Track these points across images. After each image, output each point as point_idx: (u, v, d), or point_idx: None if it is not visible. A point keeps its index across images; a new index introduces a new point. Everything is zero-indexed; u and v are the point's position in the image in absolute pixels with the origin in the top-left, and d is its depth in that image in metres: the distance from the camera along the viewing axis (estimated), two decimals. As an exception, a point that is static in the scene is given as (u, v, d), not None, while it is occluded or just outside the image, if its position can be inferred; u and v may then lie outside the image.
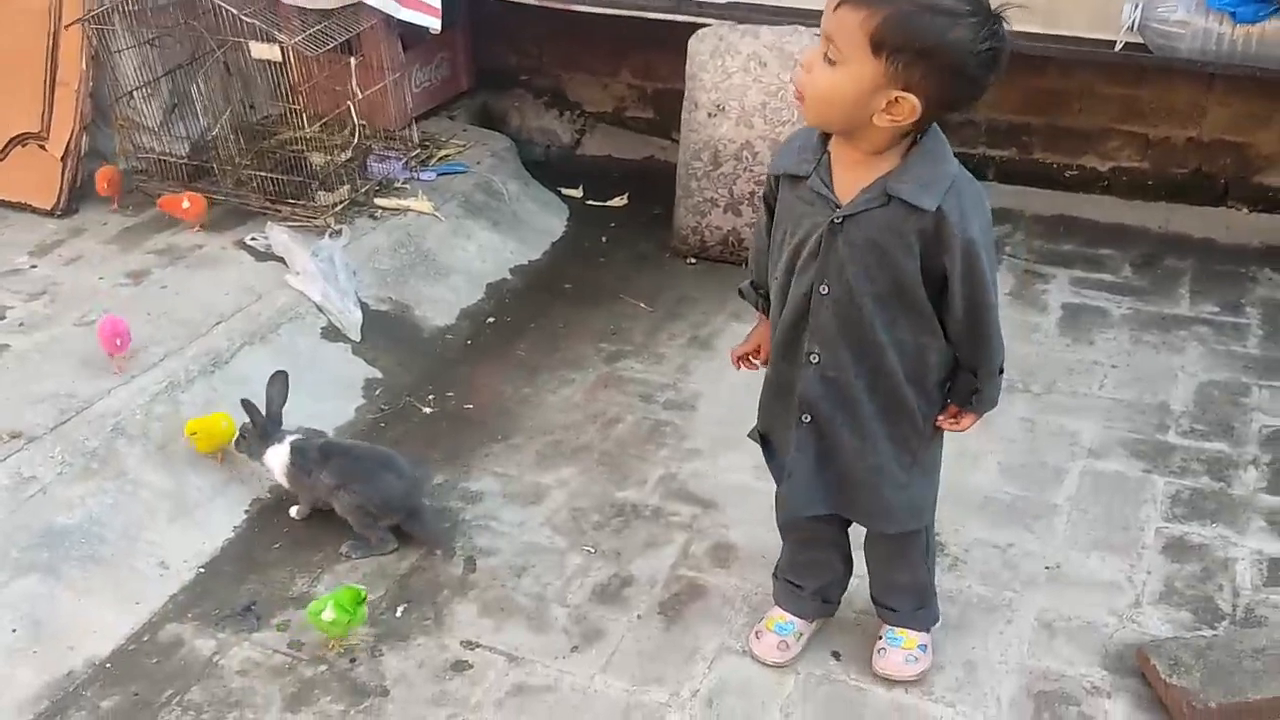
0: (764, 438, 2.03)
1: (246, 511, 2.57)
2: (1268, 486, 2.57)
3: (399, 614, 2.28)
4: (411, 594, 2.32)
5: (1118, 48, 3.25)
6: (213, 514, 2.53)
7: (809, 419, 1.88)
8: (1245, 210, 3.73)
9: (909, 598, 2.11)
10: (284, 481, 2.52)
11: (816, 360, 1.84)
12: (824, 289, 1.79)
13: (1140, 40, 3.23)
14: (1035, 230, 3.76)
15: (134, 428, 2.58)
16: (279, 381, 2.55)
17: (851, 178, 1.73)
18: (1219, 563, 2.36)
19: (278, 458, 2.50)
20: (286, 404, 2.57)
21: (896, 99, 1.61)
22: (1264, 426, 2.77)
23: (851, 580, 2.18)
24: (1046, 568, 2.36)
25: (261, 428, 2.50)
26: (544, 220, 3.90)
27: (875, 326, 1.78)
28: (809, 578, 2.13)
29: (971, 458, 2.69)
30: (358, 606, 2.14)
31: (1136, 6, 3.19)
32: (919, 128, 1.68)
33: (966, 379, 1.85)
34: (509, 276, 3.57)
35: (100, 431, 2.54)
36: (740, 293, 2.07)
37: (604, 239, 3.83)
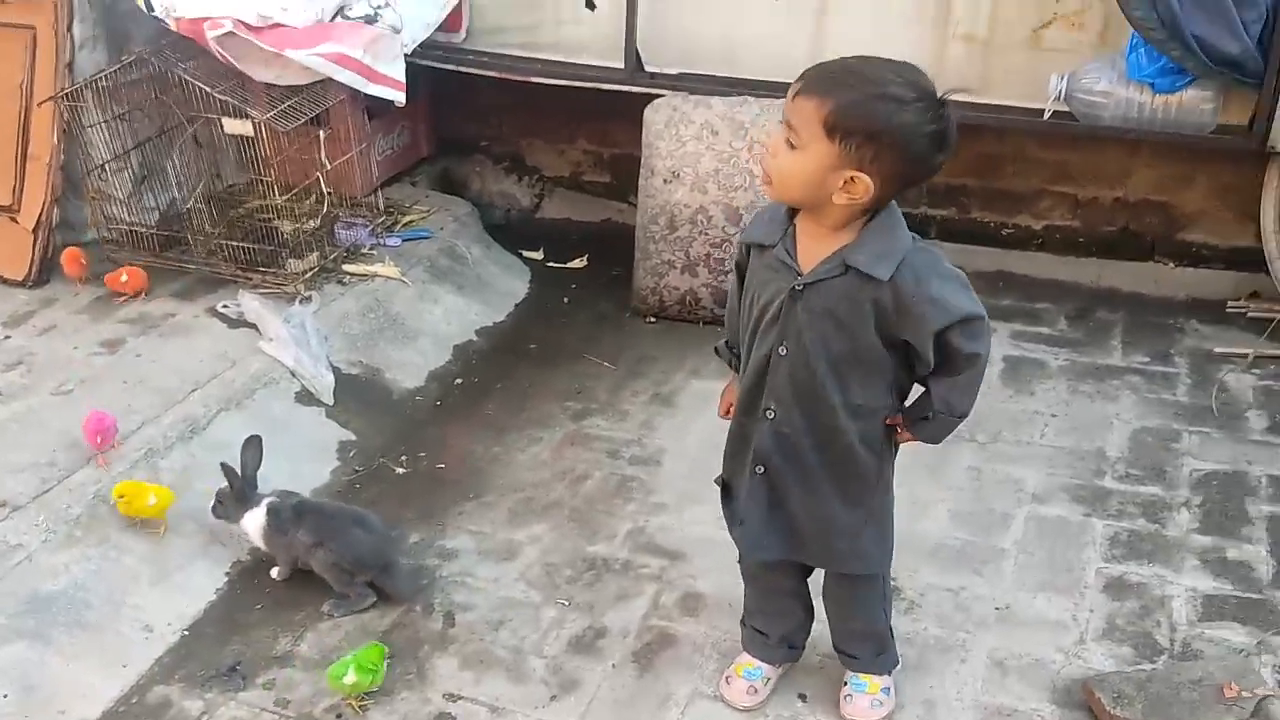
0: (725, 484, 2.15)
1: (227, 574, 2.64)
2: (1199, 527, 2.74)
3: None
4: (393, 649, 2.40)
5: (1046, 116, 3.47)
6: (194, 577, 2.60)
7: (762, 470, 2.01)
8: (1172, 265, 3.95)
9: (868, 644, 2.23)
10: (261, 544, 2.59)
11: (772, 416, 1.97)
12: (782, 350, 1.92)
13: (1067, 109, 3.45)
14: (976, 286, 3.81)
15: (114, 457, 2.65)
16: (253, 446, 2.63)
17: (814, 249, 1.87)
18: (1156, 600, 2.51)
19: (254, 520, 2.57)
20: (262, 467, 2.65)
21: (852, 178, 1.75)
22: (1194, 470, 2.95)
23: (815, 625, 2.30)
24: (996, 609, 2.50)
25: (238, 491, 2.58)
26: (507, 283, 4.03)
27: (827, 388, 1.91)
28: (773, 625, 2.25)
29: (922, 506, 2.84)
30: (381, 663, 2.21)
31: (1063, 78, 3.41)
32: (876, 204, 1.82)
33: (923, 407, 1.96)
34: (475, 338, 3.69)
35: (82, 499, 2.61)
36: (716, 351, 2.20)
37: (565, 300, 3.96)
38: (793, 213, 1.91)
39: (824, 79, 1.75)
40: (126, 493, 2.58)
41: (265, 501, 2.57)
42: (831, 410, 1.93)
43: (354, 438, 3.12)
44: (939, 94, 1.78)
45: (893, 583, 2.53)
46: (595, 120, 4.43)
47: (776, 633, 2.25)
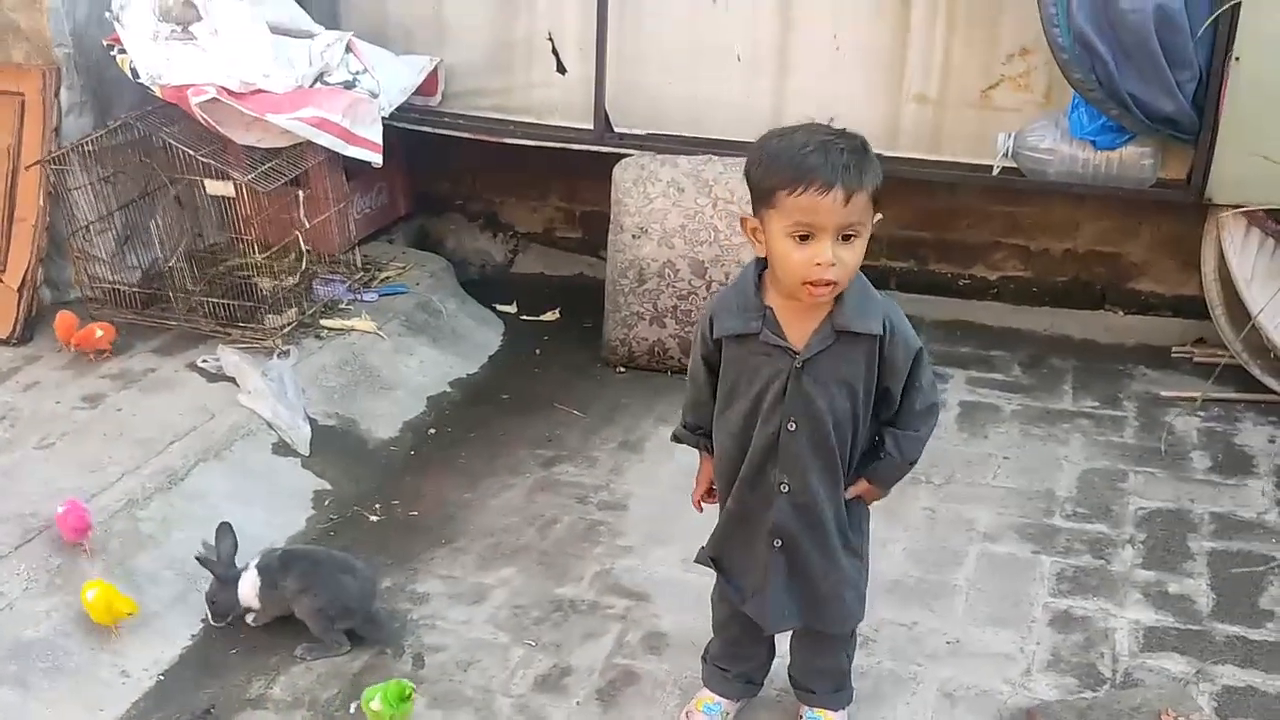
0: (715, 561, 2.21)
1: (203, 620, 2.71)
2: (1143, 563, 2.85)
3: (352, 711, 2.43)
4: (364, 690, 2.47)
5: (995, 172, 3.63)
6: (170, 623, 2.67)
7: (779, 543, 2.08)
8: (1121, 313, 4.11)
9: (828, 681, 2.31)
10: (256, 604, 2.63)
11: (787, 490, 2.04)
12: (791, 426, 1.99)
13: (1015, 165, 3.62)
14: (935, 335, 4.09)
15: (95, 544, 2.72)
16: (227, 533, 2.67)
17: (801, 326, 1.95)
18: (1100, 632, 2.62)
19: (248, 585, 2.61)
20: (239, 517, 2.76)
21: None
22: (1139, 508, 3.07)
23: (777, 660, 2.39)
24: (948, 642, 2.60)
25: (222, 576, 2.62)
26: (481, 335, 4.15)
27: (840, 450, 2.02)
28: (736, 664, 2.34)
29: (880, 544, 2.91)
30: (401, 703, 2.28)
31: (1009, 136, 3.58)
32: None
33: (876, 457, 2.08)
34: (449, 389, 3.79)
35: (62, 548, 2.69)
36: (676, 438, 2.25)
37: (538, 351, 4.08)
38: (760, 296, 1.97)
39: (853, 171, 1.80)
40: (98, 599, 2.51)
41: (252, 565, 2.64)
42: (839, 471, 2.04)
43: (329, 487, 3.21)
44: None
45: (850, 620, 2.64)
46: (567, 178, 4.58)
47: (737, 670, 2.34)
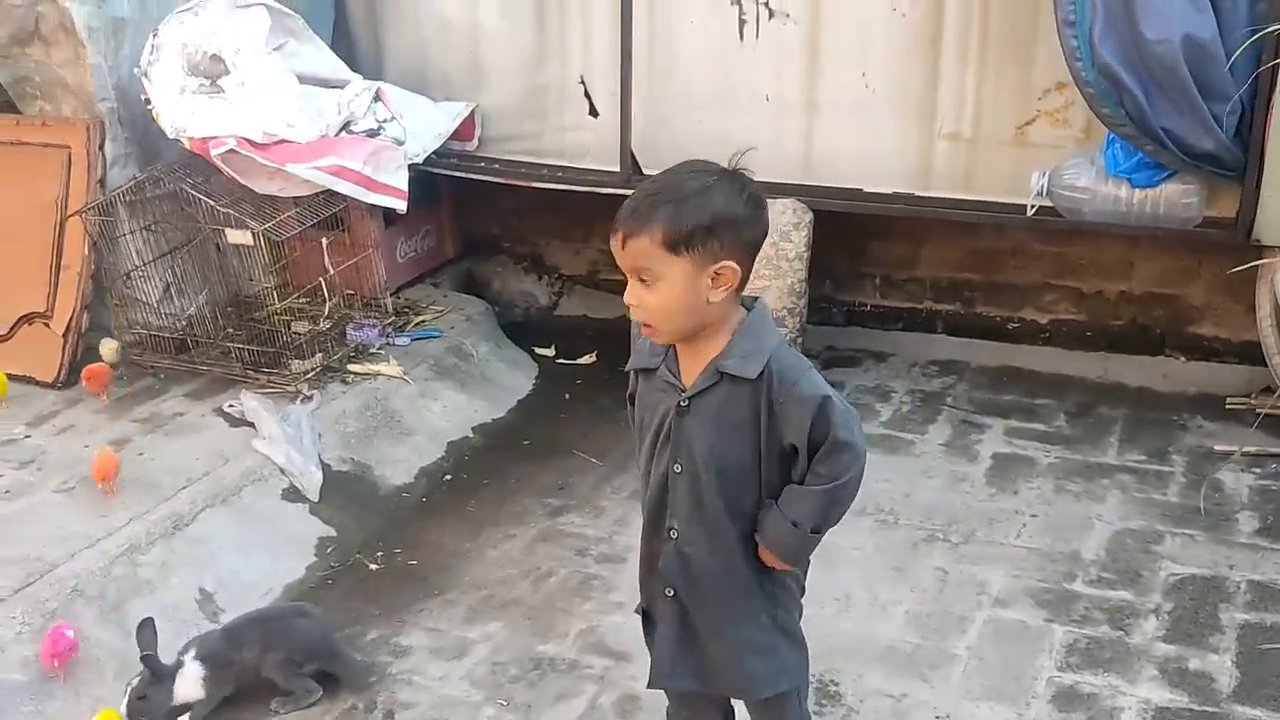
0: (645, 613, 2.11)
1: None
2: (1165, 635, 2.64)
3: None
4: (330, 747, 2.46)
5: (1030, 212, 3.46)
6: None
7: (671, 593, 1.99)
8: (1182, 359, 3.86)
9: None
10: (203, 694, 2.54)
11: (675, 536, 1.96)
12: (677, 467, 1.92)
13: (1050, 204, 3.44)
14: (978, 381, 3.91)
15: (92, 589, 2.78)
16: (148, 628, 2.54)
17: (693, 364, 1.89)
18: (1105, 712, 2.42)
19: (190, 678, 2.53)
20: (240, 563, 2.81)
21: (716, 272, 1.80)
22: (1171, 574, 2.85)
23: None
24: (937, 717, 2.44)
25: (159, 672, 2.51)
26: (512, 379, 4.14)
27: (720, 502, 1.90)
28: (689, 728, 2.23)
29: (881, 606, 2.81)
30: None
31: (1044, 174, 3.40)
32: (743, 285, 1.85)
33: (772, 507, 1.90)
34: (471, 435, 3.78)
35: (60, 593, 2.75)
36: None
37: (567, 395, 4.05)
38: None
39: (640, 211, 1.79)
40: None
41: (189, 658, 2.55)
42: (725, 526, 1.92)
43: (334, 533, 3.23)
44: (728, 168, 1.84)
45: (835, 688, 2.52)
46: (608, 220, 4.52)
47: (692, 737, 2.24)
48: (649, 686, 2.12)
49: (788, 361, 1.86)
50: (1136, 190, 3.26)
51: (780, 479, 1.92)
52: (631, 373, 2.04)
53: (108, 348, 3.73)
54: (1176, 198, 3.26)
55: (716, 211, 1.77)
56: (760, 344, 1.86)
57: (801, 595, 2.07)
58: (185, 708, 2.56)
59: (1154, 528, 3.05)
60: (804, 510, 1.85)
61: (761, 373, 1.84)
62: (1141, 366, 3.86)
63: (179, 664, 2.55)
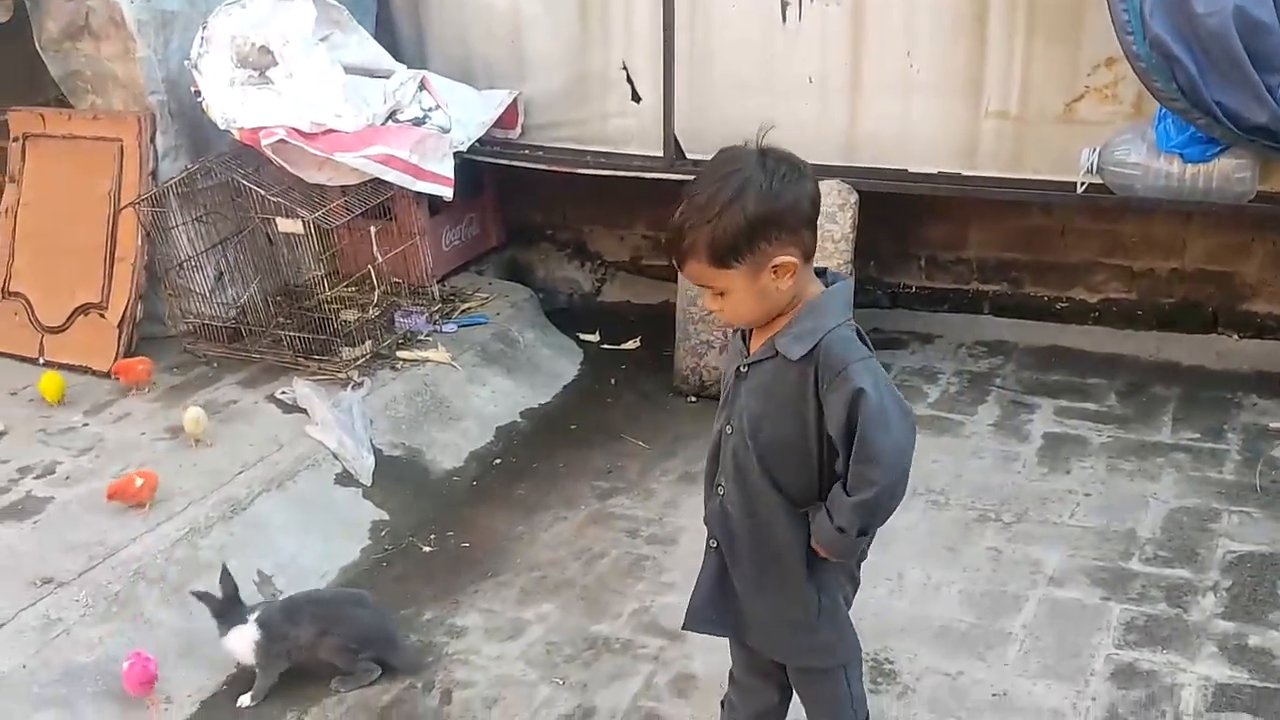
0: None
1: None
2: (1224, 612, 2.62)
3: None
4: (390, 725, 2.50)
5: (1080, 189, 3.42)
6: (218, 651, 2.73)
7: (714, 544, 2.04)
8: (1235, 337, 3.81)
9: None
10: (251, 659, 2.59)
11: (722, 492, 2.00)
12: (728, 429, 1.96)
13: (1100, 181, 3.40)
14: (1027, 362, 3.88)
15: (154, 572, 2.83)
16: (227, 576, 2.63)
17: (762, 333, 1.92)
18: (1165, 689, 2.40)
19: (244, 638, 2.58)
20: (296, 546, 2.83)
21: (775, 267, 1.81)
22: (1228, 552, 2.82)
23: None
24: (993, 695, 2.44)
25: (217, 611, 2.61)
26: (558, 365, 4.16)
27: (759, 471, 1.91)
28: (744, 701, 2.24)
29: (934, 587, 2.80)
30: None
31: (1094, 150, 3.36)
32: (809, 258, 1.85)
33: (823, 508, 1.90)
34: (519, 420, 3.81)
35: (123, 576, 2.80)
36: None
37: (613, 380, 4.06)
38: None
39: (678, 239, 1.82)
40: None
41: (253, 618, 2.60)
42: (764, 496, 1.93)
43: (387, 517, 3.26)
44: (751, 149, 1.82)
45: (890, 666, 2.52)
46: (651, 205, 4.55)
47: (748, 711, 2.24)
48: (682, 628, 2.15)
49: (837, 348, 1.83)
50: (1188, 165, 3.21)
51: (833, 463, 1.92)
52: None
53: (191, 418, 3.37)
54: (1229, 172, 3.21)
55: (752, 217, 1.76)
56: (818, 324, 1.85)
57: (853, 581, 2.06)
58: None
59: (1210, 506, 3.02)
60: (847, 518, 1.86)
61: (809, 354, 1.84)
62: (1194, 345, 3.82)
63: (242, 619, 2.61)
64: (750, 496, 1.95)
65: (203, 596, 2.62)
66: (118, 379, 3.70)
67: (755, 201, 1.76)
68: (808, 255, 1.84)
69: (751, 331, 1.94)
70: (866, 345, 1.88)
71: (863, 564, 2.05)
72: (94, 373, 3.86)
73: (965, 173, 3.64)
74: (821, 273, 1.92)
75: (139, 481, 3.04)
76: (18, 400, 3.69)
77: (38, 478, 3.21)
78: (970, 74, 3.58)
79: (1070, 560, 2.85)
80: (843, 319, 1.88)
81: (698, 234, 1.78)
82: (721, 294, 1.84)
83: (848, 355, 1.83)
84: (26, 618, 2.63)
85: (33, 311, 3.97)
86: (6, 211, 4.06)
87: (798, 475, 1.92)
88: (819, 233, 1.88)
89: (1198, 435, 3.36)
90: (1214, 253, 3.79)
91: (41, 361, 3.92)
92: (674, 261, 1.85)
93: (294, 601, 2.72)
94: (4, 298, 4.03)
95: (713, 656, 2.57)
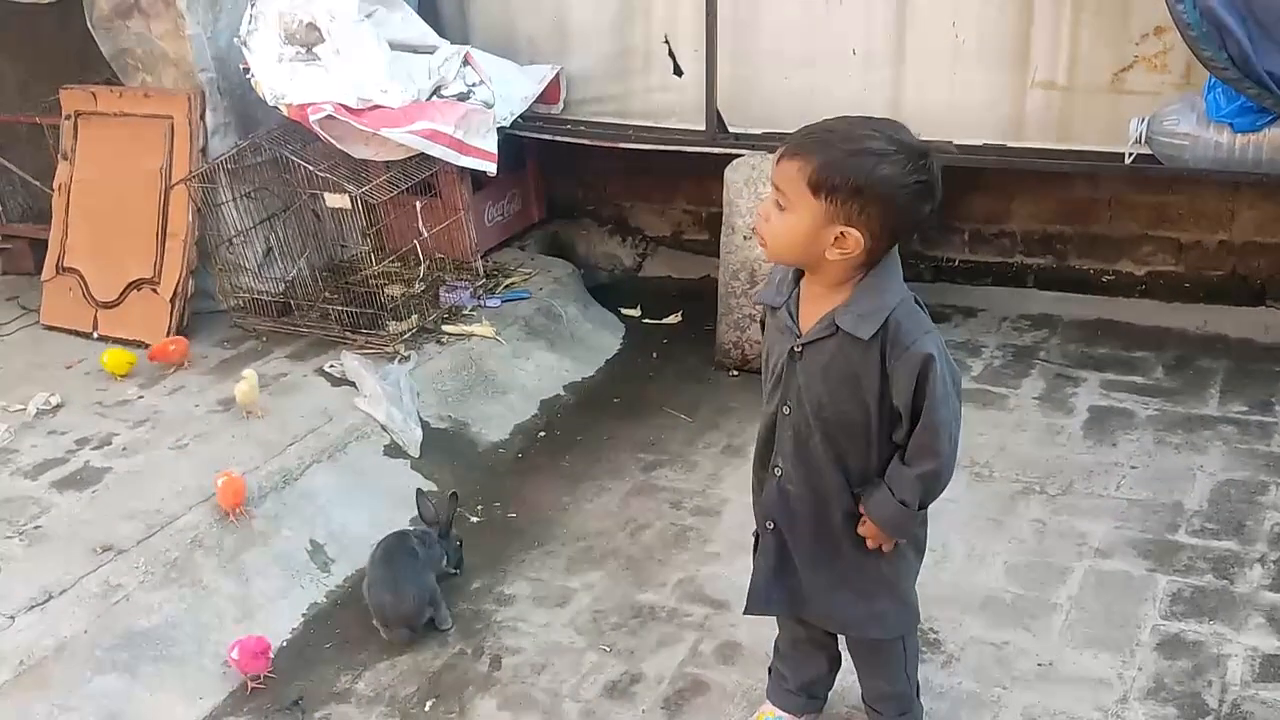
0: (757, 537, 2.20)
1: (304, 615, 2.84)
2: (1272, 584, 2.61)
3: (427, 708, 2.50)
4: (440, 689, 2.55)
5: (1128, 160, 3.39)
6: (274, 616, 2.81)
7: (771, 526, 2.06)
8: (1285, 310, 3.77)
9: (890, 705, 2.20)
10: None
11: (779, 474, 2.02)
12: (785, 410, 1.98)
13: (1149, 151, 3.37)
14: (1072, 335, 3.86)
15: (210, 540, 2.90)
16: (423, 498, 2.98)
17: (813, 310, 1.92)
18: (1211, 659, 2.41)
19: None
20: (344, 515, 2.95)
21: (842, 234, 1.81)
22: (1276, 524, 2.82)
23: (849, 675, 2.30)
24: (1039, 665, 2.45)
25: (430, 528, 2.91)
26: (600, 339, 4.19)
27: (823, 451, 1.94)
28: (795, 671, 2.27)
29: (979, 558, 2.81)
30: None
31: (1143, 120, 3.33)
32: (871, 258, 1.87)
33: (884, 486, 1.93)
34: (562, 393, 3.84)
35: (181, 544, 2.87)
36: None
37: (655, 355, 4.09)
38: (799, 273, 1.95)
39: (805, 141, 1.82)
40: None
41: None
42: (827, 474, 1.95)
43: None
44: (920, 147, 1.81)
45: (934, 635, 2.54)
46: (692, 180, 4.56)
47: (797, 679, 2.28)
48: (745, 612, 2.18)
49: (906, 324, 1.84)
50: (1239, 135, 3.18)
51: (891, 438, 1.93)
52: (761, 306, 2.07)
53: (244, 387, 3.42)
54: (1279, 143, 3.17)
55: (873, 180, 1.75)
56: (881, 301, 1.85)
57: (919, 553, 2.08)
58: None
59: (1258, 478, 3.00)
60: (911, 490, 1.89)
61: (876, 333, 1.84)
62: (1242, 318, 3.79)
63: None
64: (813, 475, 1.97)
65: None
66: (154, 362, 3.75)
67: (886, 175, 1.76)
68: (871, 254, 1.83)
69: (798, 308, 1.94)
70: (928, 316, 1.89)
71: (925, 547, 2.08)
72: (147, 347, 3.93)
73: (1011, 144, 3.62)
74: None
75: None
76: (73, 373, 3.77)
77: (95, 449, 3.28)
78: (1017, 44, 3.55)
79: (1116, 532, 2.84)
80: (904, 293, 1.88)
81: (823, 149, 1.78)
82: (784, 209, 1.82)
83: (917, 329, 1.85)
84: (88, 584, 2.71)
85: (86, 287, 4.05)
86: (60, 188, 4.13)
87: (860, 451, 1.94)
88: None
89: (1245, 408, 3.34)
90: (1263, 224, 3.74)
91: (95, 336, 4.00)
92: (781, 151, 1.82)
93: (386, 543, 2.84)
94: (58, 273, 4.11)
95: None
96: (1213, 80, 3.16)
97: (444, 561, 2.88)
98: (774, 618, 2.28)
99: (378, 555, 2.79)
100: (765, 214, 1.88)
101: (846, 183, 1.77)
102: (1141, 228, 3.92)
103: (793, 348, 1.93)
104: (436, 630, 2.74)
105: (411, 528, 2.96)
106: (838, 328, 1.87)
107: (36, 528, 2.91)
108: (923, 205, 1.81)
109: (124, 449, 3.30)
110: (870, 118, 1.87)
